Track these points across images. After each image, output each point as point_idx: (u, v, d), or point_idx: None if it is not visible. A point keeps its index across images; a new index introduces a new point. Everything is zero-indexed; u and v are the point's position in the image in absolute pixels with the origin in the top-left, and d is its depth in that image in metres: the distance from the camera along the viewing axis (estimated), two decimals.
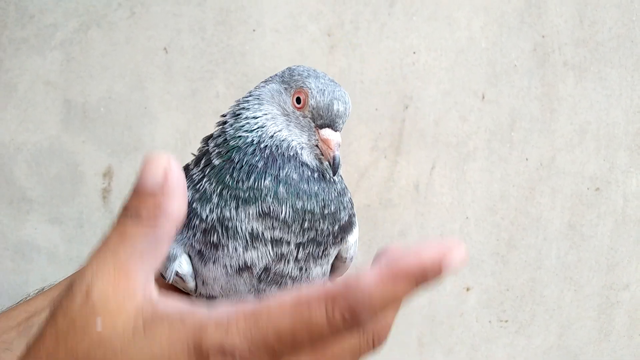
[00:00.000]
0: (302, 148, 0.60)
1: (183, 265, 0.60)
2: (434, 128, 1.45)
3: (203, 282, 0.60)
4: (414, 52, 1.43)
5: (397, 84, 1.43)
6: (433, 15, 1.43)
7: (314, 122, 0.59)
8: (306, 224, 0.56)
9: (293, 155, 0.58)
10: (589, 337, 1.49)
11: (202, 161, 0.63)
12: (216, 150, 0.61)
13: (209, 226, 0.57)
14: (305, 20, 1.43)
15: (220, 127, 0.65)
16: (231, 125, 0.61)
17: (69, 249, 1.44)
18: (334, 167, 0.58)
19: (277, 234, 0.55)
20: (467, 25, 1.43)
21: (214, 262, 0.58)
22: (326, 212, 0.57)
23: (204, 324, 0.40)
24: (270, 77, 0.66)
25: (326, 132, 0.59)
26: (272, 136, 0.58)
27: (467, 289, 1.47)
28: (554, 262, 1.47)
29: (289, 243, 0.57)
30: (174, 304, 0.44)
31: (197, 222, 0.58)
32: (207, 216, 0.58)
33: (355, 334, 0.43)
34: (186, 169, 0.65)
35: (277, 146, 0.58)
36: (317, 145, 0.59)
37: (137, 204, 0.45)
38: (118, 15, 1.42)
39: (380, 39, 1.43)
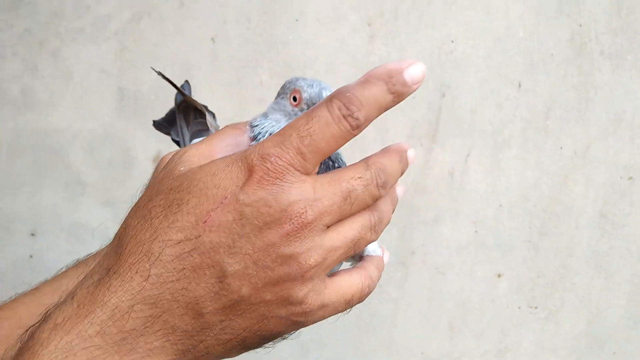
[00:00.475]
0: None
1: None
2: (470, 116, 1.19)
3: None
4: (452, 41, 1.17)
5: (435, 72, 1.19)
6: (471, 4, 1.17)
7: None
8: None
9: None
10: (617, 325, 1.22)
11: None
12: None
13: None
14: (346, 10, 1.19)
15: None
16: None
17: None
18: None
19: None
20: (504, 14, 1.16)
21: None
22: None
23: (249, 148, 0.44)
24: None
25: None
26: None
27: (499, 276, 1.22)
28: (585, 250, 1.20)
29: None
30: None
31: None
32: None
33: (365, 214, 0.45)
34: None
35: None
36: None
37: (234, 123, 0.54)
38: (168, 6, 1.20)
39: (419, 28, 1.18)
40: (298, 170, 0.41)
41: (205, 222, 0.40)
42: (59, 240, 1.24)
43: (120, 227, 0.46)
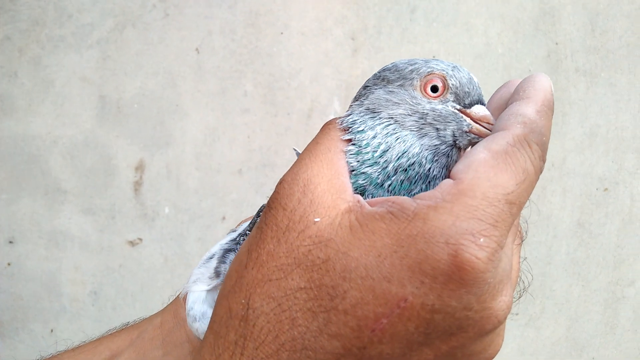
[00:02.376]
0: (440, 154, 0.39)
1: (205, 326, 0.47)
2: None
3: None
4: (434, 56, 1.19)
5: None
6: (452, 22, 1.21)
7: (460, 104, 0.40)
8: None
9: (423, 173, 0.38)
10: (595, 330, 1.25)
11: None
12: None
13: None
14: (330, 24, 1.21)
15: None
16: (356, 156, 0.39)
17: (101, 239, 1.23)
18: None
19: None
20: (484, 31, 1.20)
21: None
22: None
23: (422, 214, 0.30)
24: (363, 91, 0.42)
25: (479, 109, 0.40)
26: (396, 157, 0.38)
27: None
28: (563, 258, 1.24)
29: None
30: (374, 202, 0.35)
31: None
32: None
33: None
34: None
35: (404, 170, 0.38)
36: (469, 131, 0.39)
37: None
38: (152, 16, 1.20)
39: (401, 43, 1.21)
40: (502, 248, 0.31)
41: (373, 330, 0.30)
42: (38, 247, 1.21)
43: (234, 295, 0.34)
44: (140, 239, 1.23)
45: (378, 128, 0.39)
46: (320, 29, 1.22)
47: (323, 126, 0.40)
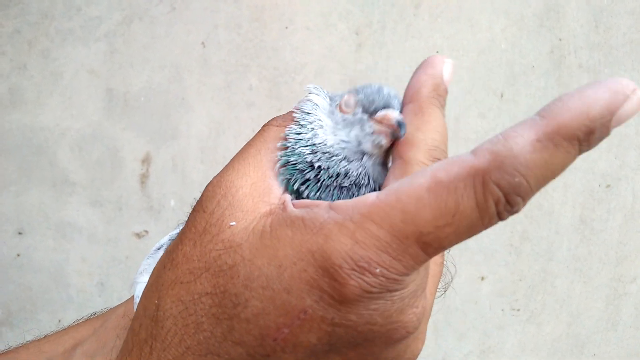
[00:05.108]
0: (341, 151, 0.42)
1: None
2: (454, 124, 1.23)
3: None
4: (437, 52, 1.21)
5: None
6: (456, 17, 1.21)
7: (367, 112, 0.43)
8: None
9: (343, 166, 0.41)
10: (596, 327, 1.26)
11: None
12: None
13: None
14: (335, 19, 1.22)
15: None
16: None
17: (108, 231, 1.25)
18: (399, 132, 0.40)
19: None
20: (488, 27, 1.21)
21: None
22: None
23: (327, 230, 0.29)
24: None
25: (382, 112, 0.42)
26: (319, 149, 0.42)
27: (482, 278, 1.25)
28: (565, 254, 1.24)
29: None
30: (300, 204, 0.33)
31: None
32: None
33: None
34: None
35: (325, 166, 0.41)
36: (373, 132, 0.42)
37: (287, 115, 0.39)
38: (159, 10, 1.22)
39: (405, 38, 1.22)
40: (407, 275, 0.30)
41: (275, 339, 0.30)
42: (46, 238, 1.23)
43: (150, 294, 0.35)
44: (147, 231, 1.25)
45: (309, 119, 0.43)
46: (324, 23, 1.23)
47: (262, 127, 0.39)
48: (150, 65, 1.23)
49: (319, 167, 0.40)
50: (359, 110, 0.43)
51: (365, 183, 0.41)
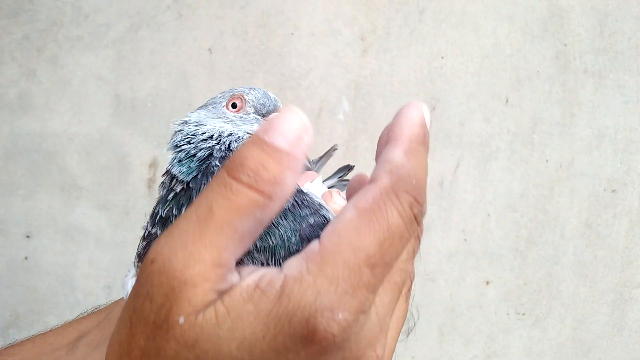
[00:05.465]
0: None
1: None
2: (459, 129, 1.23)
3: None
4: (442, 57, 1.22)
5: (425, 86, 1.23)
6: (461, 23, 1.22)
7: (259, 114, 0.49)
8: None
9: None
10: (602, 332, 1.26)
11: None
12: (182, 170, 0.45)
13: None
14: (340, 24, 1.23)
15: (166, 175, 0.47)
16: (188, 143, 0.46)
17: (115, 234, 1.26)
18: None
19: None
20: (492, 32, 1.21)
21: None
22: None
23: (287, 290, 0.30)
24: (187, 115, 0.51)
25: (273, 115, 0.49)
26: (232, 138, 0.46)
27: (487, 283, 1.25)
28: (570, 259, 1.24)
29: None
30: (246, 272, 0.33)
31: None
32: None
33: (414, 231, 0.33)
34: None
35: (229, 143, 0.45)
36: None
37: (260, 162, 0.31)
38: (166, 17, 1.23)
39: (410, 43, 1.22)
40: (364, 314, 0.31)
41: None
42: (54, 242, 1.24)
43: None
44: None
45: (206, 128, 0.46)
46: (330, 29, 1.24)
47: (228, 170, 0.32)
48: (157, 71, 1.24)
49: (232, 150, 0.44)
50: (251, 110, 0.49)
51: None
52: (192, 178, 0.43)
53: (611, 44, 1.21)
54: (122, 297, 0.56)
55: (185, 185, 0.43)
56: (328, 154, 0.69)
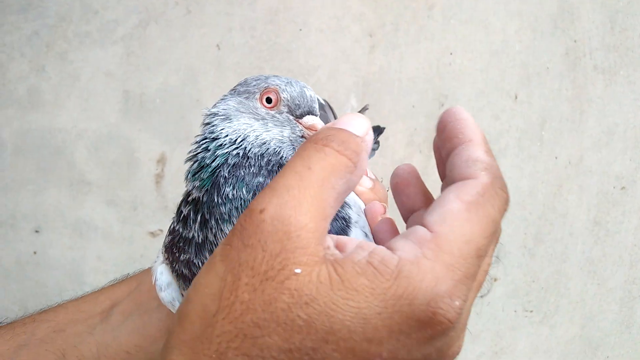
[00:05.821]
0: (281, 148, 0.46)
1: (169, 295, 0.49)
2: None
3: None
4: (451, 53, 1.21)
5: (434, 83, 1.22)
6: (470, 19, 1.21)
7: (293, 115, 0.47)
8: None
9: (276, 161, 0.45)
10: (610, 329, 1.24)
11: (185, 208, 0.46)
12: (196, 184, 0.45)
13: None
14: (348, 21, 1.22)
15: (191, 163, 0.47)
16: (206, 151, 0.46)
17: (123, 230, 1.26)
18: None
19: None
20: (502, 29, 1.20)
21: None
22: None
23: (406, 272, 0.30)
24: (220, 99, 0.50)
25: (309, 119, 0.47)
26: (255, 143, 0.45)
27: (495, 280, 1.24)
28: (578, 257, 1.23)
29: None
30: (343, 245, 0.34)
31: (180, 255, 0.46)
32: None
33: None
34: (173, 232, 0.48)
35: (261, 154, 0.44)
36: (303, 136, 0.47)
37: (345, 137, 0.34)
38: (175, 14, 1.23)
39: (419, 40, 1.21)
40: (466, 302, 0.33)
41: None
42: (63, 237, 1.25)
43: (199, 345, 0.32)
44: (161, 230, 1.26)
45: (234, 127, 0.45)
46: (338, 25, 1.23)
47: (316, 141, 0.35)
48: (165, 67, 1.24)
49: (250, 159, 0.44)
50: (285, 109, 0.47)
51: None
52: (205, 191, 0.43)
53: (621, 41, 1.20)
54: (150, 267, 0.57)
55: (199, 196, 0.44)
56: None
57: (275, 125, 0.47)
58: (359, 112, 0.66)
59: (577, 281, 1.23)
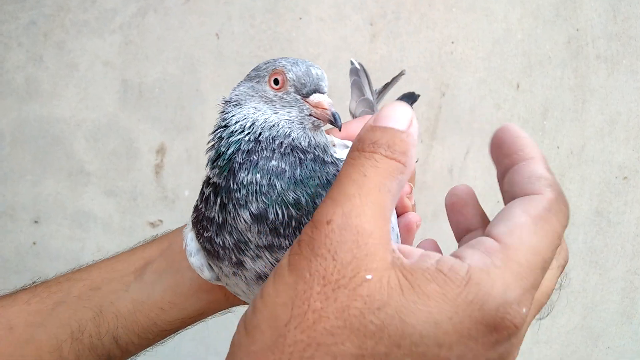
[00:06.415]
0: (290, 129, 0.47)
1: (205, 272, 0.51)
2: (469, 115, 1.21)
3: (226, 284, 0.51)
4: (452, 42, 1.19)
5: (435, 72, 1.20)
6: (471, 7, 1.19)
7: (300, 94, 0.48)
8: (293, 222, 0.44)
9: (288, 143, 0.46)
10: (612, 319, 1.24)
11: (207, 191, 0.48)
12: (215, 171, 0.46)
13: (214, 239, 0.46)
14: (349, 10, 1.20)
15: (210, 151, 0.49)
16: (220, 139, 0.47)
17: (123, 220, 1.24)
18: (336, 123, 0.48)
19: (271, 239, 0.44)
20: (504, 17, 1.18)
21: (234, 274, 0.47)
22: (318, 201, 0.44)
23: (476, 279, 0.31)
24: (235, 85, 0.52)
25: (315, 97, 0.48)
26: (264, 126, 0.46)
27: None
28: (580, 247, 1.22)
29: (283, 248, 0.44)
30: (408, 253, 0.35)
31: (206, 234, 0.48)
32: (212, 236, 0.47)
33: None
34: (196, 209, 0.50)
35: (272, 137, 0.46)
36: (310, 115, 0.48)
37: (390, 140, 0.35)
38: (174, 2, 1.20)
39: (420, 28, 1.20)
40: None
41: None
42: (62, 227, 1.23)
43: (270, 354, 0.32)
44: (161, 221, 1.25)
45: (244, 112, 0.47)
46: (338, 14, 1.22)
47: (363, 148, 0.36)
48: (164, 56, 1.23)
49: (266, 137, 0.46)
50: (291, 89, 0.48)
51: (309, 145, 0.47)
52: (223, 177, 0.45)
53: (624, 29, 1.19)
54: (179, 227, 0.61)
55: (218, 181, 0.46)
56: (396, 79, 0.71)
57: (283, 106, 0.48)
58: (396, 77, 0.71)
59: (579, 271, 1.22)
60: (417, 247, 0.45)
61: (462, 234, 0.43)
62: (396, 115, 0.36)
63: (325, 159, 0.47)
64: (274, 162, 0.44)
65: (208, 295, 0.59)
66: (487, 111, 1.20)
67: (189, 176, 1.24)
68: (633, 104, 1.19)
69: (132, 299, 0.59)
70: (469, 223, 0.43)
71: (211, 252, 0.47)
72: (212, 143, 0.48)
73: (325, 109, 0.48)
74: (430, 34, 1.20)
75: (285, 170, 0.44)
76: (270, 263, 0.45)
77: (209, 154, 0.48)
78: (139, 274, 0.61)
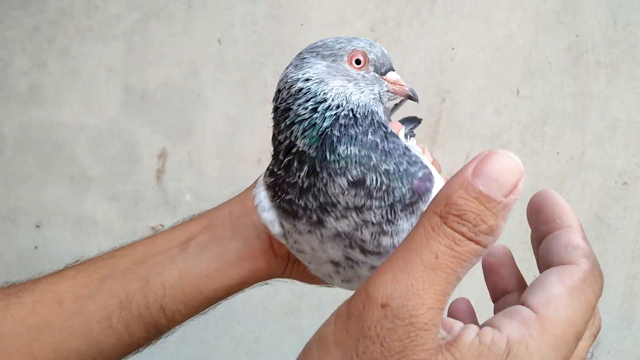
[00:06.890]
0: (377, 106, 0.51)
1: (276, 227, 0.54)
2: (470, 121, 1.20)
3: (295, 241, 0.53)
4: (453, 48, 1.19)
5: (436, 78, 1.20)
6: (472, 13, 1.19)
7: (378, 73, 0.52)
8: (384, 187, 0.48)
9: (376, 119, 0.49)
10: (611, 325, 1.23)
11: (289, 157, 0.50)
12: (306, 141, 0.48)
13: (309, 206, 0.49)
14: (350, 16, 1.21)
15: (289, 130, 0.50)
16: (313, 111, 0.49)
17: (125, 225, 1.25)
18: (415, 96, 0.54)
19: (364, 201, 0.47)
20: (504, 23, 1.18)
21: (309, 232, 0.50)
22: (402, 168, 0.48)
23: (514, 351, 0.32)
24: (296, 62, 0.52)
25: (392, 75, 0.53)
26: (358, 103, 0.49)
27: None
28: None
29: (372, 209, 0.48)
30: (454, 327, 0.35)
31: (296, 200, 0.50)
32: (305, 202, 0.49)
33: None
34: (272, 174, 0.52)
35: (364, 113, 0.49)
36: (388, 91, 0.52)
37: (481, 214, 0.32)
38: (176, 8, 1.21)
39: (421, 35, 1.20)
40: None
41: None
42: (64, 232, 1.24)
43: None
44: (162, 225, 1.25)
45: (335, 90, 0.48)
46: (340, 20, 1.22)
47: (445, 221, 0.33)
48: (167, 62, 1.23)
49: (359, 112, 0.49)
50: (372, 69, 0.51)
51: (386, 120, 0.50)
52: (315, 148, 0.47)
53: (624, 36, 1.19)
54: (223, 204, 0.65)
55: (306, 151, 0.48)
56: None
57: (367, 84, 0.51)
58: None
59: None
60: (451, 305, 0.47)
61: (499, 295, 0.45)
62: (504, 177, 0.33)
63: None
64: (370, 137, 0.47)
65: (251, 264, 0.62)
66: (488, 117, 1.20)
67: (190, 181, 1.25)
68: (633, 110, 1.19)
69: (178, 269, 0.61)
70: (506, 284, 0.44)
71: (289, 211, 0.50)
72: (303, 116, 0.49)
73: (403, 85, 0.53)
74: (431, 40, 1.21)
75: (377, 143, 0.47)
76: (355, 222, 0.48)
77: (297, 123, 0.49)
78: (184, 247, 0.63)
